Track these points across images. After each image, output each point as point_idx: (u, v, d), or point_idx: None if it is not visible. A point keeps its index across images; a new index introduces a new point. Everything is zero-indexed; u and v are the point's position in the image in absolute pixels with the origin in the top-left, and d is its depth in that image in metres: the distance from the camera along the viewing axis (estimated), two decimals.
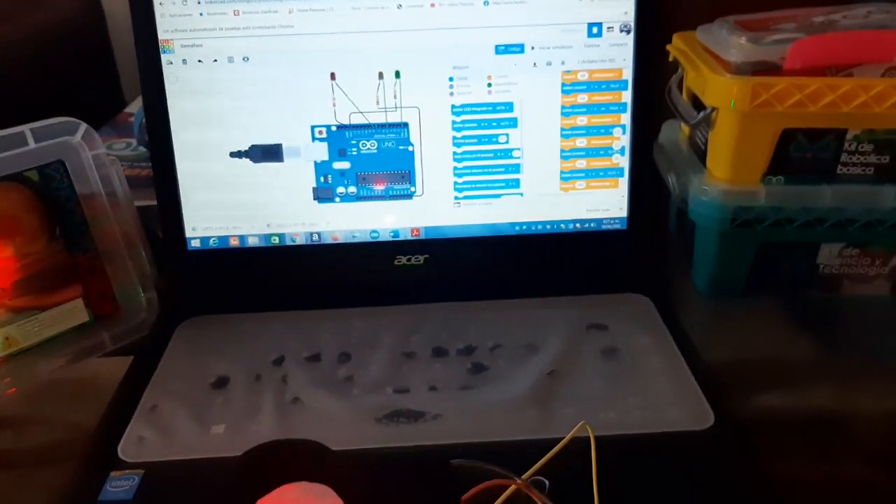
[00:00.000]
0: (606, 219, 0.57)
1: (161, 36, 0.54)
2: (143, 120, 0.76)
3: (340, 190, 0.56)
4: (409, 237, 0.57)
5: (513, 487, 0.30)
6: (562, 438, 0.40)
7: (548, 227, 0.57)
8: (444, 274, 0.57)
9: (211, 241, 0.57)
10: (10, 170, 0.52)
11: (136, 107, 0.92)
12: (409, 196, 0.56)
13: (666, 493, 0.38)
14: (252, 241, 0.57)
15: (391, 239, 0.57)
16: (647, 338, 0.50)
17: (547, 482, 0.33)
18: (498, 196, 0.56)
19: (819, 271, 0.55)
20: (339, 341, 0.51)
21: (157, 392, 0.47)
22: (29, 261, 0.53)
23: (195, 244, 0.57)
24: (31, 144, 0.52)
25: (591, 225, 0.57)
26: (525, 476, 0.33)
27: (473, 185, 0.56)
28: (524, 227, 0.57)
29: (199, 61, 0.54)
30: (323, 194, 0.56)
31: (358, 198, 0.56)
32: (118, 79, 1.15)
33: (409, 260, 0.57)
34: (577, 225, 0.57)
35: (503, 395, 0.45)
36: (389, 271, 0.57)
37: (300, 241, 0.57)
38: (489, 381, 0.47)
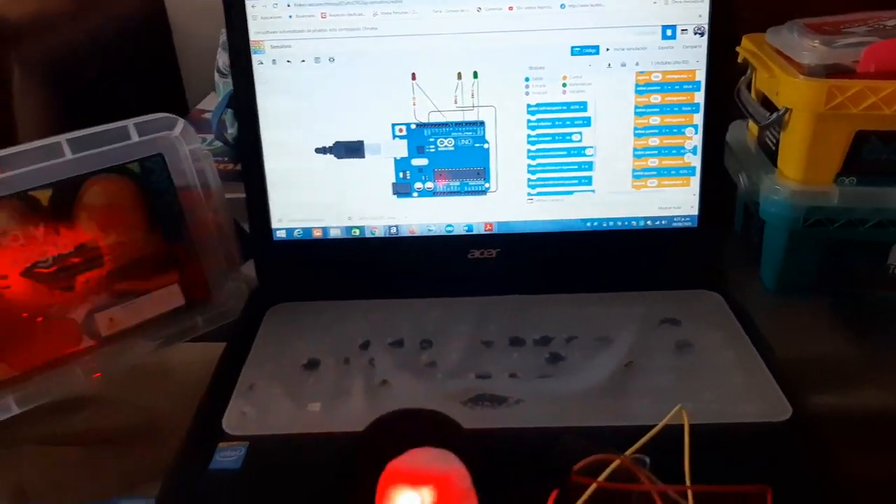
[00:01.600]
0: (678, 216, 0.58)
1: (253, 37, 0.57)
2: (222, 115, 0.80)
3: (418, 185, 0.59)
4: (483, 231, 0.60)
5: (617, 461, 0.32)
6: (639, 426, 0.42)
7: (619, 223, 0.59)
8: (515, 267, 0.59)
9: (295, 232, 0.60)
10: (114, 162, 0.56)
11: (209, 104, 0.96)
12: (484, 192, 0.59)
13: (747, 481, 0.39)
14: (334, 234, 0.60)
15: (465, 233, 0.60)
16: (719, 333, 0.51)
17: (648, 459, 0.35)
18: (570, 193, 0.58)
19: (889, 272, 0.56)
20: (418, 329, 0.54)
21: (253, 372, 0.51)
22: (130, 248, 0.57)
23: (280, 235, 0.61)
24: (134, 138, 0.56)
25: (663, 222, 0.59)
26: (628, 452, 0.35)
27: (546, 182, 0.58)
28: (595, 224, 0.59)
29: (288, 62, 0.57)
30: (401, 189, 0.59)
31: (434, 193, 0.59)
32: (180, 80, 1.19)
33: (482, 253, 0.60)
34: (649, 222, 0.59)
35: (581, 385, 0.47)
36: (463, 264, 0.60)
37: (379, 233, 0.60)
38: (567, 371, 0.49)
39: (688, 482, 0.34)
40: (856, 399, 0.48)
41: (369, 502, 0.27)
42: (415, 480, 0.27)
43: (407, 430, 0.27)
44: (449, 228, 0.60)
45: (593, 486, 0.30)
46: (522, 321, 0.54)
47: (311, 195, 0.59)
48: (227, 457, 0.43)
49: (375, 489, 0.27)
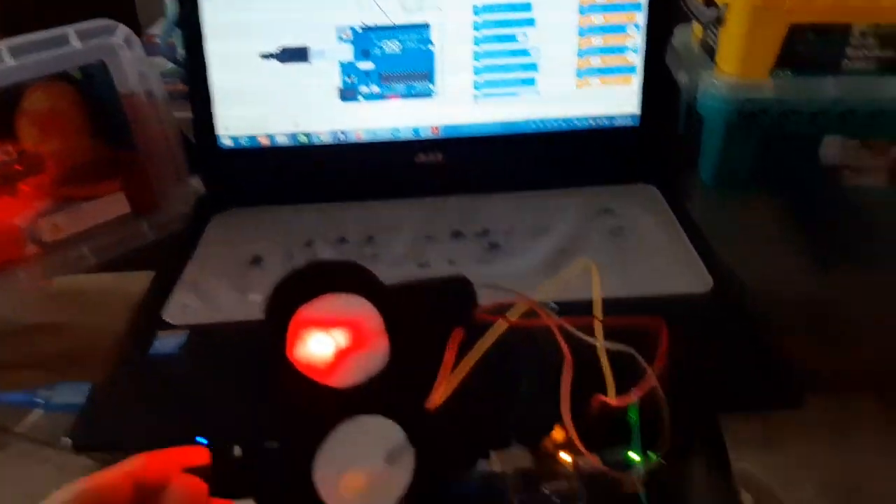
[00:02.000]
0: (620, 115, 0.59)
1: None
2: (171, 38, 0.79)
3: (364, 89, 0.59)
4: (429, 136, 0.60)
5: (525, 305, 0.34)
6: (571, 301, 0.43)
7: (563, 123, 0.60)
8: (462, 170, 0.60)
9: (241, 140, 0.61)
10: (56, 69, 0.55)
11: (157, 30, 0.94)
12: (430, 95, 0.59)
13: (672, 347, 0.41)
14: (280, 141, 0.60)
15: (412, 138, 0.60)
16: (651, 219, 0.53)
17: (556, 306, 0.36)
18: (515, 94, 0.59)
19: (820, 163, 0.58)
20: (363, 228, 0.55)
21: (197, 269, 0.51)
22: (73, 154, 0.57)
23: (227, 143, 0.61)
24: (75, 44, 0.55)
25: (605, 121, 0.59)
26: (534, 295, 0.36)
27: (491, 84, 0.59)
28: (540, 125, 0.60)
29: None
30: (347, 94, 0.59)
31: (381, 97, 0.59)
32: (133, 3, 1.16)
33: (428, 157, 0.60)
34: (592, 121, 0.60)
35: (516, 267, 0.48)
36: (410, 168, 0.60)
37: (326, 139, 0.60)
38: (503, 256, 0.50)
39: (598, 333, 0.35)
40: (776, 276, 0.49)
41: (282, 350, 0.27)
42: (326, 324, 0.27)
43: (318, 279, 0.27)
44: (395, 133, 0.60)
45: (504, 326, 0.32)
46: (465, 218, 0.55)
47: (256, 102, 0.59)
48: (167, 344, 0.44)
49: (286, 336, 0.28)
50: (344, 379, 0.27)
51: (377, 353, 0.27)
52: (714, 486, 0.38)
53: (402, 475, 0.26)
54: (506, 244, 0.51)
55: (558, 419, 0.36)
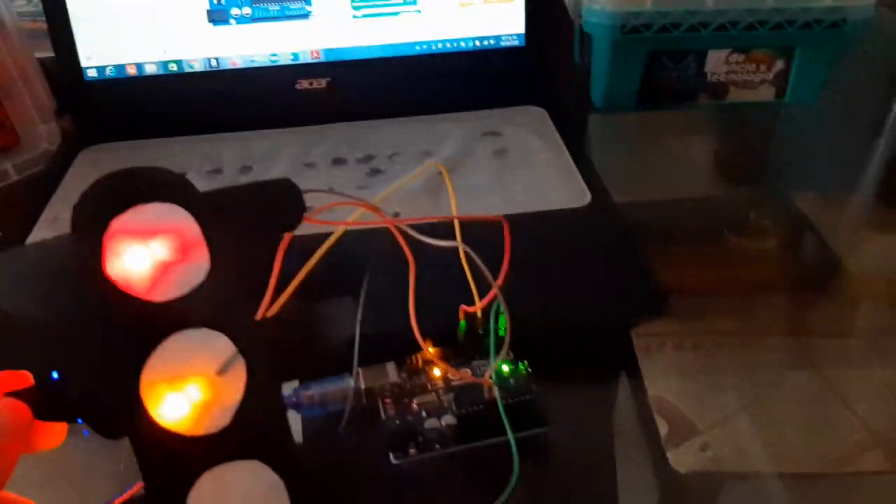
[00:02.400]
0: (505, 35, 0.58)
1: None
2: None
3: (235, 11, 0.55)
4: (310, 60, 0.57)
5: (363, 208, 0.32)
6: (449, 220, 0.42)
7: (447, 45, 0.58)
8: (346, 96, 0.57)
9: (107, 70, 0.56)
10: None
11: None
12: (306, 15, 0.56)
13: (548, 258, 0.41)
14: (149, 70, 0.57)
15: (291, 63, 0.57)
16: (537, 140, 0.52)
17: (399, 211, 0.35)
18: (396, 14, 0.56)
19: (707, 79, 0.58)
20: (240, 157, 0.52)
21: (59, 206, 0.48)
22: None
23: (91, 74, 0.56)
24: None
25: (490, 42, 0.58)
26: (373, 200, 0.35)
27: (370, 3, 0.56)
28: (424, 47, 0.58)
29: None
30: (217, 17, 0.55)
31: (253, 19, 0.56)
32: None
33: (311, 84, 0.57)
34: (477, 42, 0.58)
35: (397, 192, 0.47)
36: (291, 95, 0.57)
37: (198, 67, 0.57)
38: (385, 181, 0.48)
39: (458, 237, 0.34)
40: (667, 194, 0.50)
41: (97, 266, 0.25)
42: (142, 235, 0.25)
43: (128, 188, 0.25)
44: (273, 58, 0.57)
45: (341, 230, 0.30)
46: (348, 145, 0.53)
47: (120, 28, 0.55)
48: None
49: (100, 251, 0.25)
50: (165, 292, 0.25)
51: (198, 263, 0.25)
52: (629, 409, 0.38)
53: (235, 387, 0.25)
54: (388, 169, 0.50)
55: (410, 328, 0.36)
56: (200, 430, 0.25)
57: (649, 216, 0.48)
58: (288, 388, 0.34)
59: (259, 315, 0.26)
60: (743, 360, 0.39)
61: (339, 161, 0.51)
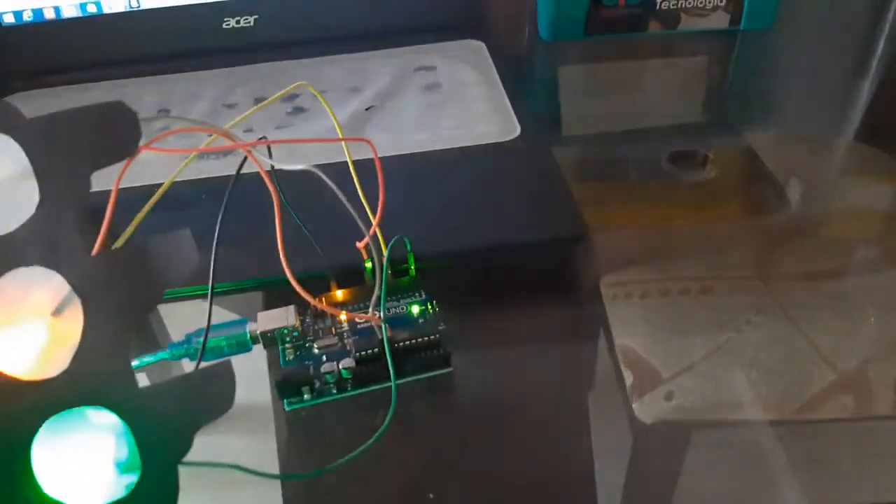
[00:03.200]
0: None
1: None
2: None
3: None
4: None
5: (214, 133, 0.30)
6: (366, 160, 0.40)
7: None
8: (274, 33, 0.54)
9: (25, 15, 0.53)
10: None
11: None
12: None
13: (472, 194, 0.38)
14: (68, 13, 0.53)
15: None
16: (471, 73, 0.49)
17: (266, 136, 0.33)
18: None
19: (657, 7, 0.54)
20: (159, 99, 0.49)
21: None
22: None
23: (8, 20, 0.53)
24: None
25: None
26: (228, 126, 0.32)
27: None
28: None
29: None
30: None
31: None
32: None
33: (237, 22, 0.54)
34: None
35: (317, 130, 0.44)
36: (218, 34, 0.54)
37: (118, 8, 0.53)
38: (306, 120, 0.46)
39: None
40: (600, 126, 0.47)
41: None
42: None
43: None
44: None
45: (192, 157, 0.28)
46: (274, 84, 0.50)
47: None
48: None
49: None
50: None
51: (25, 195, 0.23)
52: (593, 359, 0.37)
53: (73, 328, 0.23)
54: (312, 107, 0.47)
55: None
56: (39, 375, 0.23)
57: (590, 150, 0.45)
58: (180, 335, 0.32)
59: (95, 250, 0.24)
60: (709, 305, 0.38)
61: (261, 101, 0.48)
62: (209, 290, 0.31)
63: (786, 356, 0.35)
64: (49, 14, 0.53)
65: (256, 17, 0.54)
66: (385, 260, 0.31)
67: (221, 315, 0.33)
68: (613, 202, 0.42)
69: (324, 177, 0.27)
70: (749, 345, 0.35)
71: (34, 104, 0.51)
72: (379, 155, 0.39)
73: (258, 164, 0.28)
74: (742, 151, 0.47)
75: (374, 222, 0.30)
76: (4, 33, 0.53)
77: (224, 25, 0.54)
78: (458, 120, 0.44)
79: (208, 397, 0.25)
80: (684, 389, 0.34)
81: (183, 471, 0.23)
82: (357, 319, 0.32)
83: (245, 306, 0.36)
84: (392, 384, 0.30)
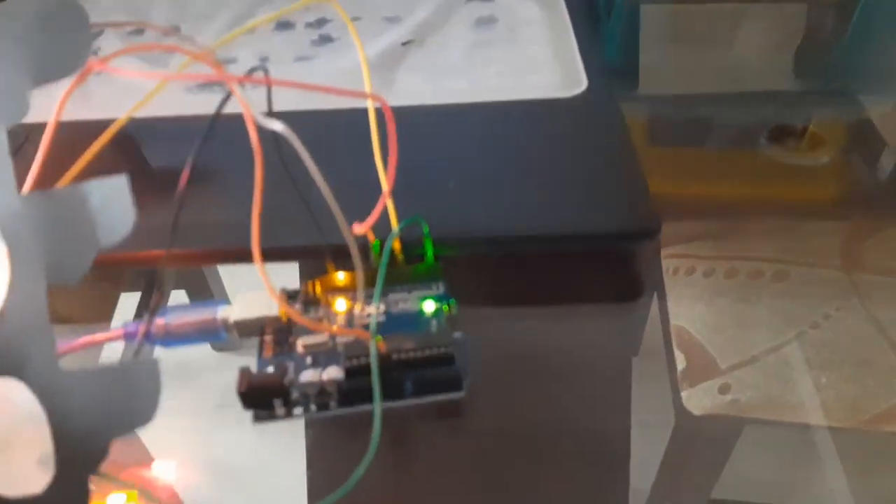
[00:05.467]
0: None
1: None
2: None
3: None
4: None
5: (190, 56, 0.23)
6: (401, 107, 0.33)
7: None
8: None
9: None
10: None
11: None
12: None
13: (518, 164, 0.31)
14: None
15: None
16: (537, 10, 0.40)
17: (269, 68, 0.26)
18: None
19: None
20: (172, 15, 0.43)
21: None
22: None
23: None
24: None
25: None
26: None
27: None
28: None
29: None
30: None
31: None
32: None
33: None
34: None
35: (342, 65, 0.37)
36: None
37: None
38: (332, 52, 0.38)
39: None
40: (686, 86, 0.39)
41: None
42: None
43: None
44: None
45: (161, 83, 0.21)
46: (304, 7, 0.43)
47: None
48: None
49: None
50: None
51: None
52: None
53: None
54: (341, 37, 0.40)
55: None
56: None
57: (671, 114, 0.37)
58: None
59: (25, 188, 0.19)
60: (782, 293, 0.34)
61: (285, 25, 0.41)
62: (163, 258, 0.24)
63: (864, 360, 0.31)
64: None
65: None
66: (386, 249, 0.25)
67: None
68: (689, 169, 0.35)
69: (300, 148, 0.20)
70: (823, 343, 0.32)
71: None
72: (408, 103, 0.32)
73: (244, 104, 0.21)
74: (855, 125, 0.39)
75: (384, 192, 0.23)
76: None
77: None
78: (510, 66, 0.36)
79: (130, 400, 0.20)
80: (742, 384, 0.31)
81: None
82: (343, 330, 0.25)
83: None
84: (375, 409, 0.23)
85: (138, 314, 0.34)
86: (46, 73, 0.20)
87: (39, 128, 0.21)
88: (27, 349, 0.19)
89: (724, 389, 0.31)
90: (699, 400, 0.31)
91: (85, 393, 0.20)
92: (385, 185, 0.25)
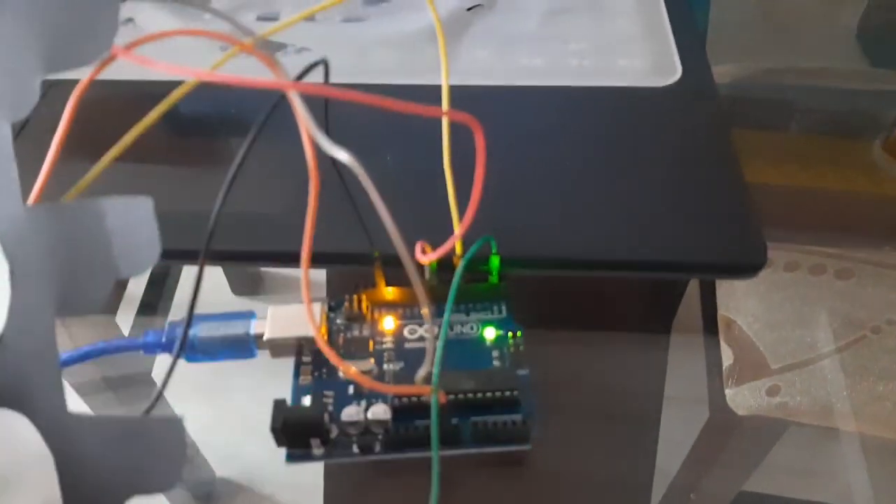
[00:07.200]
0: None
1: None
2: None
3: None
4: None
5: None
6: (464, 86, 0.28)
7: None
8: None
9: None
10: None
11: None
12: None
13: (593, 168, 0.27)
14: None
15: None
16: None
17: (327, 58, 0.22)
18: None
19: None
20: None
21: None
22: None
23: None
24: None
25: None
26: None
27: None
28: None
29: None
30: None
31: None
32: None
33: None
34: None
35: (400, 29, 0.33)
36: None
37: None
38: (387, 13, 0.34)
39: None
40: (787, 77, 0.34)
41: None
42: None
43: None
44: None
45: (192, 82, 0.17)
46: None
47: None
48: None
49: None
50: None
51: None
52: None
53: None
54: None
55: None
56: None
57: (770, 105, 0.33)
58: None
59: (32, 199, 0.17)
60: (844, 293, 0.32)
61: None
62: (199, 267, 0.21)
63: None
64: None
65: None
66: (456, 276, 0.21)
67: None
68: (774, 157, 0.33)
69: (365, 181, 0.16)
70: (885, 351, 0.30)
71: None
72: (472, 82, 0.28)
73: (304, 122, 0.17)
74: None
75: (455, 231, 0.19)
76: None
77: None
78: (592, 43, 0.31)
79: (149, 458, 0.17)
80: (793, 388, 0.29)
81: None
82: (398, 389, 0.22)
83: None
84: (434, 460, 0.20)
85: (141, 310, 0.31)
86: (61, 59, 0.16)
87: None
88: (30, 380, 0.17)
89: (772, 391, 0.30)
90: (744, 399, 0.30)
91: (95, 441, 0.17)
92: (457, 222, 0.21)
